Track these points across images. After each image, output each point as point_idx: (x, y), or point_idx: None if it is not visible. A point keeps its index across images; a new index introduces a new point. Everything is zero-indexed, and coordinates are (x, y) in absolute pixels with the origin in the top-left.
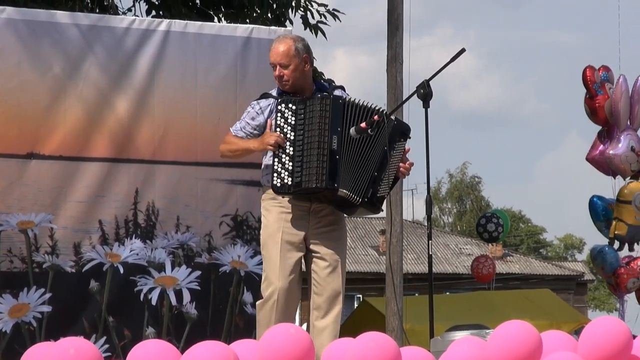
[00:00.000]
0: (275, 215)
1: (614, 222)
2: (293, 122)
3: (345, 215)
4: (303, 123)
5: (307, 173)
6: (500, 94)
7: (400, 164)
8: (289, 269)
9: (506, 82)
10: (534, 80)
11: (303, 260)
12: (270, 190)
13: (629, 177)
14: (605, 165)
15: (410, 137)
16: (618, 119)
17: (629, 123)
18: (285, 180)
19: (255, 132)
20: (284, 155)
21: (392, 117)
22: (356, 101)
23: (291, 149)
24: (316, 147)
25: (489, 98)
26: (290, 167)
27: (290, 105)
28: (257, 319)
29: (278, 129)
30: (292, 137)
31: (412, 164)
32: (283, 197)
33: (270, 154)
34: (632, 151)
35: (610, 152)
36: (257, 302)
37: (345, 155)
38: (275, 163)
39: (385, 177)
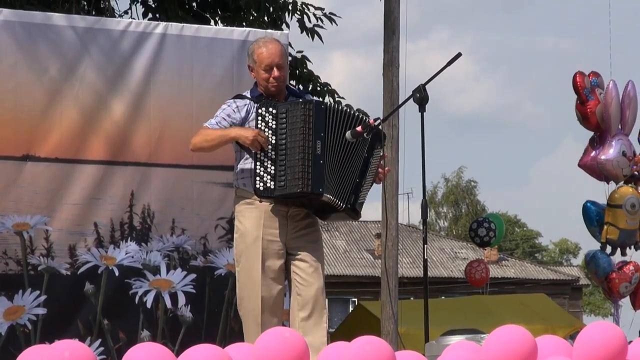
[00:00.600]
0: (253, 221)
1: (605, 227)
2: (274, 126)
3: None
4: (285, 127)
5: (292, 178)
6: (496, 98)
7: (380, 170)
8: (273, 277)
9: (502, 87)
10: (529, 84)
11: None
12: (247, 195)
13: (621, 182)
14: (597, 171)
15: (384, 145)
16: (609, 124)
17: (620, 128)
18: (268, 184)
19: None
20: (265, 159)
21: (359, 114)
22: (337, 106)
23: (273, 152)
24: (300, 152)
25: (484, 102)
26: (272, 171)
27: (270, 109)
28: (244, 332)
29: None
30: (273, 141)
31: (389, 171)
32: (261, 202)
33: (247, 158)
34: (623, 156)
35: (602, 157)
36: (241, 314)
37: (329, 161)
38: (258, 167)
39: (365, 183)
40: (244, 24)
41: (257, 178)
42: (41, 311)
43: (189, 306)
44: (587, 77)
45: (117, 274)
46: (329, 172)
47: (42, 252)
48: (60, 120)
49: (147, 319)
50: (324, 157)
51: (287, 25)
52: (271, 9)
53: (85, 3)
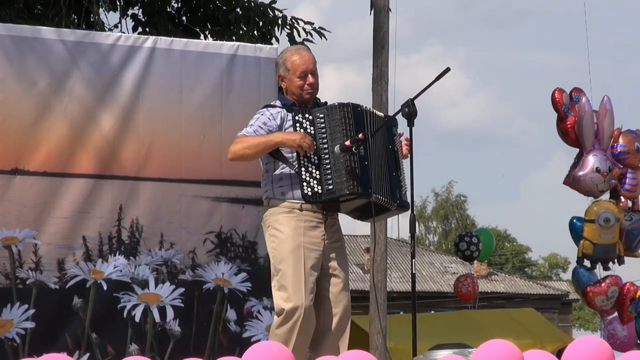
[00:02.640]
0: (293, 230)
1: (581, 242)
2: (312, 132)
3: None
4: (326, 132)
5: (340, 180)
6: (487, 112)
7: (402, 146)
8: (311, 287)
9: (493, 101)
10: (521, 99)
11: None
12: (283, 203)
13: (600, 197)
14: (578, 187)
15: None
16: (582, 140)
17: (597, 143)
18: (316, 189)
19: None
20: (309, 164)
21: (380, 114)
22: (370, 109)
23: (315, 157)
24: (344, 155)
25: (476, 117)
26: (318, 176)
27: (306, 115)
28: (272, 338)
29: None
30: (314, 147)
31: (407, 139)
32: (301, 211)
33: (284, 166)
34: (597, 172)
35: (579, 173)
36: (275, 321)
37: (371, 161)
38: (303, 172)
39: (402, 172)
40: (234, 38)
41: (304, 183)
42: (29, 325)
43: (178, 320)
44: (565, 93)
45: (105, 287)
46: (373, 171)
47: (30, 265)
48: (49, 134)
49: (136, 333)
50: (367, 158)
51: (277, 40)
52: (261, 23)
53: (75, 17)
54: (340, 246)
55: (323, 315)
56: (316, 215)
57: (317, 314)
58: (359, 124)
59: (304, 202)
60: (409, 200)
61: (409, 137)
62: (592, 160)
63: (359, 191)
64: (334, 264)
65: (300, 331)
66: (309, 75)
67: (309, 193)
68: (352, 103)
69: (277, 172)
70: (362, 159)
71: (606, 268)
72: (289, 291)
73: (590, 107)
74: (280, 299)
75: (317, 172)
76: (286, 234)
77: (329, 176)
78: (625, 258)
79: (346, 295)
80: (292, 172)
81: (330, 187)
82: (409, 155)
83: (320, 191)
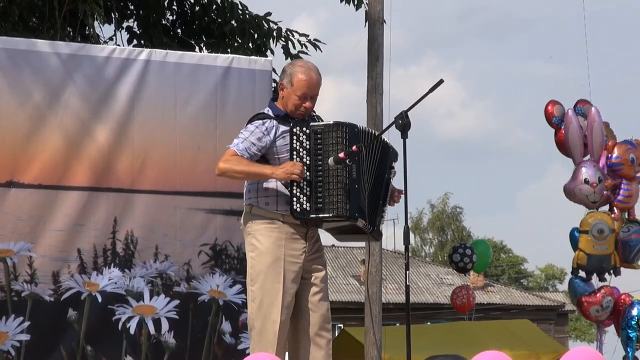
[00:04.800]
0: (274, 241)
1: (576, 253)
2: (308, 146)
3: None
4: (322, 149)
5: (329, 201)
6: (485, 124)
7: (395, 194)
8: (289, 300)
9: (491, 112)
10: (519, 111)
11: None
12: (267, 214)
13: (594, 208)
14: (572, 198)
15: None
16: (571, 152)
17: (589, 156)
18: (305, 206)
19: (259, 153)
20: (301, 180)
21: (384, 138)
22: (367, 129)
23: (308, 173)
24: (336, 175)
25: (473, 128)
26: (308, 193)
27: (304, 128)
28: (251, 351)
29: (294, 153)
30: (308, 162)
31: (401, 192)
32: (283, 222)
33: None
34: (585, 183)
35: (570, 185)
36: (252, 334)
37: (361, 184)
38: (294, 188)
39: (385, 205)
40: (229, 50)
41: (294, 199)
42: (24, 337)
43: (173, 332)
44: (559, 105)
45: (100, 300)
46: (361, 195)
47: (25, 278)
48: (44, 146)
49: (131, 345)
50: (358, 180)
51: (272, 52)
52: (256, 35)
53: (70, 29)
54: (320, 256)
55: (303, 324)
56: (298, 228)
57: (296, 324)
58: (354, 144)
59: (287, 214)
60: (382, 232)
61: (403, 151)
62: (582, 172)
63: (347, 215)
64: (313, 274)
65: (279, 345)
66: (308, 100)
67: (298, 209)
68: (349, 123)
69: (265, 181)
70: (353, 182)
71: (602, 279)
72: (266, 307)
73: (576, 119)
74: (255, 312)
75: (308, 189)
76: (266, 246)
77: (320, 195)
78: (622, 269)
79: (325, 304)
80: (279, 184)
81: (320, 205)
82: (394, 204)
83: (308, 209)
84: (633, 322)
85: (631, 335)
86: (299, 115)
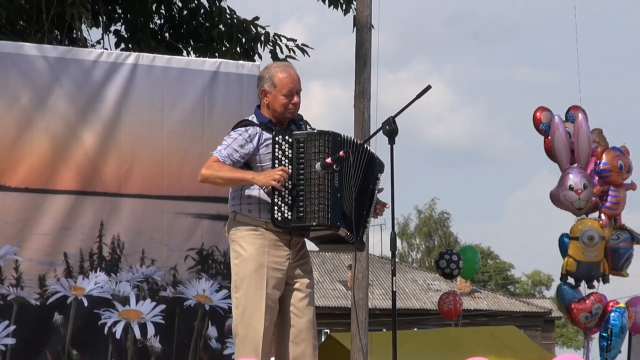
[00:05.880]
0: (257, 248)
1: (565, 259)
2: (290, 155)
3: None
4: (304, 158)
5: (311, 210)
6: (473, 129)
7: (378, 206)
8: (272, 306)
9: (480, 118)
10: (508, 116)
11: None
12: (251, 221)
13: (583, 215)
14: (558, 205)
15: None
16: (557, 159)
17: (576, 163)
18: (286, 215)
19: (242, 160)
20: (283, 189)
21: (369, 149)
22: (351, 139)
23: (290, 182)
24: (318, 184)
25: (462, 134)
26: (290, 202)
27: (287, 137)
28: (236, 357)
29: (276, 161)
30: (290, 170)
31: (388, 207)
32: (266, 229)
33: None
34: (570, 190)
35: (556, 191)
36: (236, 341)
37: (344, 193)
38: (275, 196)
39: (370, 215)
40: (217, 54)
41: (275, 207)
42: (10, 341)
43: (159, 337)
44: (547, 112)
45: (86, 304)
46: (344, 204)
47: (11, 282)
48: (31, 149)
49: (116, 349)
50: (341, 189)
51: (260, 56)
52: (244, 39)
53: (57, 33)
54: (306, 262)
55: (288, 330)
56: (281, 235)
57: (282, 330)
58: (337, 153)
59: (270, 221)
60: (365, 242)
61: (390, 157)
62: (567, 178)
63: (327, 223)
64: (298, 280)
65: (264, 352)
66: (295, 95)
67: (279, 218)
68: (332, 132)
69: (247, 189)
70: (335, 190)
71: (591, 286)
72: (250, 314)
73: (563, 126)
74: (239, 319)
75: (290, 198)
76: (250, 252)
77: (301, 204)
78: (611, 277)
79: (311, 309)
80: (261, 192)
81: (301, 214)
82: (378, 217)
83: (290, 217)
84: (604, 332)
85: (602, 344)
86: (290, 113)
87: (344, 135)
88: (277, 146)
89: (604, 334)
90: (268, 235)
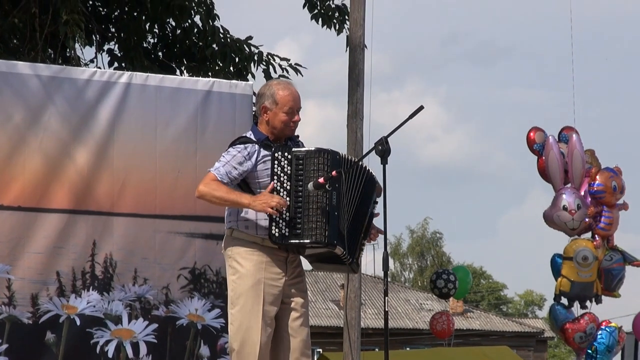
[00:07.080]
0: (254, 264)
1: (559, 279)
2: (289, 172)
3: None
4: (303, 175)
5: (308, 227)
6: (467, 149)
7: (373, 231)
8: (269, 322)
9: (474, 137)
10: (501, 136)
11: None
12: (248, 237)
13: (576, 235)
14: (552, 225)
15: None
16: (550, 179)
17: (570, 183)
18: (283, 231)
19: (240, 177)
20: (277, 215)
21: (369, 169)
22: (349, 158)
23: (288, 199)
24: (316, 201)
25: (455, 153)
26: (287, 218)
27: (286, 153)
28: None
29: (275, 177)
30: (288, 187)
31: (380, 232)
32: (263, 246)
33: None
34: (564, 210)
35: (549, 211)
36: (232, 356)
37: (342, 212)
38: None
39: (365, 239)
40: (210, 74)
41: (273, 224)
42: None
43: (151, 356)
44: (540, 132)
45: (78, 323)
46: (341, 223)
47: (3, 300)
48: (24, 168)
49: None
50: (339, 208)
51: (253, 76)
52: (237, 59)
53: (51, 51)
54: (301, 281)
55: (282, 349)
56: (278, 252)
57: (276, 349)
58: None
59: (267, 238)
60: (359, 264)
61: (382, 177)
62: (560, 199)
63: (325, 241)
64: (294, 299)
65: None
66: (296, 113)
67: (276, 234)
68: (331, 149)
69: None
70: (333, 208)
71: (584, 306)
72: (246, 329)
73: (557, 146)
74: (234, 334)
75: (287, 215)
76: (247, 268)
77: (299, 220)
78: (603, 297)
79: (305, 329)
80: None
81: (299, 231)
82: (372, 242)
83: (287, 234)
84: (589, 349)
85: None
86: (289, 131)
87: (342, 154)
88: (276, 162)
89: (589, 351)
90: (265, 252)
